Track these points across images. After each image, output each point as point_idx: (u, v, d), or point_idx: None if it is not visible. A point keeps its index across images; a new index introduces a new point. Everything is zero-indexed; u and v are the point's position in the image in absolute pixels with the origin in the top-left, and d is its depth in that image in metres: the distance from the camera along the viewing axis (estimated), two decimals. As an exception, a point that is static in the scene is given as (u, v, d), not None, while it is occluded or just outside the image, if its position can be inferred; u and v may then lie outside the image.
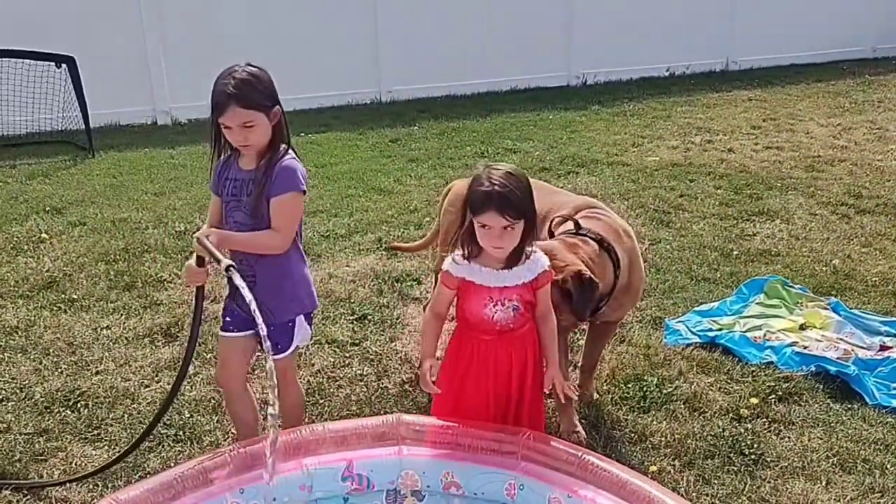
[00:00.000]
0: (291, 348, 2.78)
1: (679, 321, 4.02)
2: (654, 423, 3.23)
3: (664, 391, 3.43)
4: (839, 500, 2.78)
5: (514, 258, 2.52)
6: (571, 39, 10.64)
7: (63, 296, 4.49)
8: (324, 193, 6.33)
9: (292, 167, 2.61)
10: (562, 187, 6.28)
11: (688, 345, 3.82)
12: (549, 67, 10.73)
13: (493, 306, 2.56)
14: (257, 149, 2.62)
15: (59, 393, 3.52)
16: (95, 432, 3.25)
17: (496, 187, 2.39)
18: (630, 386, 3.49)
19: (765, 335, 3.83)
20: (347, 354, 3.85)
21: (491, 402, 2.66)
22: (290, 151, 2.67)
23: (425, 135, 8.31)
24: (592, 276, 2.83)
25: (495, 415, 2.68)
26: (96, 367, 3.74)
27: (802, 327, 3.90)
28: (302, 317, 2.77)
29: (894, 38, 12.41)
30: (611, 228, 3.09)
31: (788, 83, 10.46)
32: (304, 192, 2.63)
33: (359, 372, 3.69)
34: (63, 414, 3.37)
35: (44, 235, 5.43)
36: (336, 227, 5.53)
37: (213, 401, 3.46)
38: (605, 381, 3.55)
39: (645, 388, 3.46)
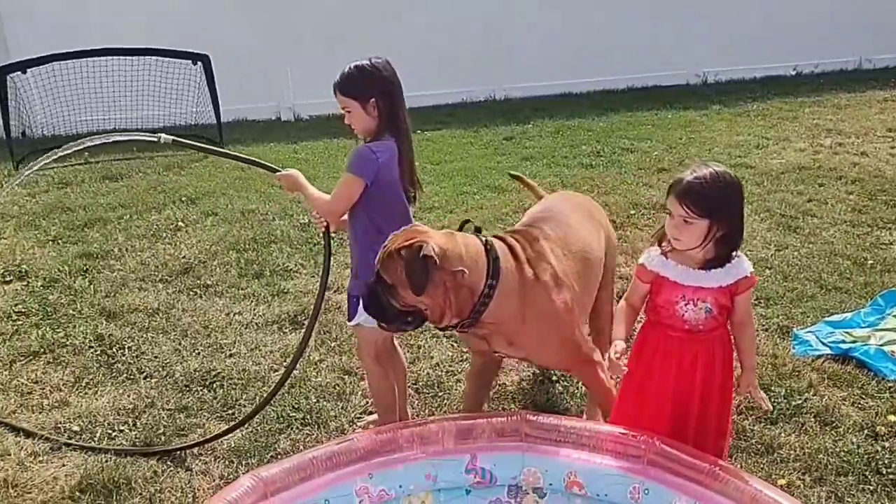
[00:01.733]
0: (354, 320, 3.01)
1: (809, 331, 3.86)
2: (783, 435, 3.12)
3: (793, 403, 3.31)
4: None
5: (714, 260, 2.48)
6: (691, 37, 10.33)
7: (198, 281, 4.77)
8: (439, 190, 6.43)
9: (358, 152, 2.82)
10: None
11: (818, 356, 3.67)
12: (668, 66, 10.47)
13: (685, 304, 2.53)
14: (360, 133, 2.88)
15: (197, 373, 3.75)
16: (230, 412, 3.45)
17: (688, 177, 2.40)
18: (756, 396, 3.39)
19: (904, 350, 3.63)
20: (466, 351, 3.91)
21: (670, 398, 2.62)
22: (390, 140, 2.81)
23: (540, 133, 8.29)
24: (433, 252, 2.56)
25: (674, 412, 2.63)
26: (230, 351, 3.96)
27: (946, 343, 3.67)
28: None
29: None
30: (517, 251, 2.80)
31: (930, 83, 9.82)
32: (361, 177, 2.77)
33: (477, 367, 3.74)
34: (201, 392, 3.59)
35: (180, 224, 5.77)
36: (451, 224, 5.60)
37: (337, 387, 3.60)
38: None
39: (772, 399, 3.32)
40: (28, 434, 3.30)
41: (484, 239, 2.79)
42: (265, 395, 3.34)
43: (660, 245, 2.57)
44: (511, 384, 3.60)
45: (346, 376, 3.68)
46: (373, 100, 2.80)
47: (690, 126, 8.28)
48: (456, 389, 3.57)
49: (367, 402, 3.45)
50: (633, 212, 5.74)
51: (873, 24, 10.65)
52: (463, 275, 2.63)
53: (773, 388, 3.42)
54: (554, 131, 8.33)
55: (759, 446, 3.06)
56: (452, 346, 3.94)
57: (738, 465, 2.93)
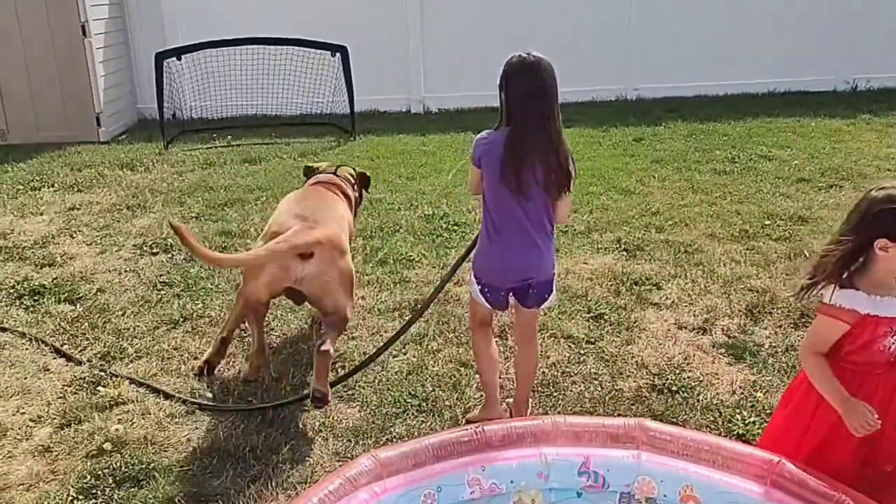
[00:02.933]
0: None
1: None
2: None
3: (935, 437, 3.09)
4: None
5: None
6: (840, 40, 9.71)
7: (326, 265, 4.95)
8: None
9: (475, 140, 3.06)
10: (822, 201, 5.87)
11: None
12: (813, 70, 9.90)
13: (892, 337, 2.33)
14: None
15: (321, 353, 3.90)
16: (350, 392, 3.58)
17: None
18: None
19: None
20: (582, 351, 3.88)
21: (866, 441, 2.40)
22: (503, 130, 2.95)
23: (671, 135, 8.06)
24: None
25: (868, 456, 2.45)
26: (352, 334, 4.10)
27: None
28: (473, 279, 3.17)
29: None
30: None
31: None
32: (472, 161, 3.03)
33: (593, 370, 3.71)
34: (324, 372, 3.73)
35: (311, 208, 6.00)
36: (576, 223, 5.56)
37: (453, 378, 3.66)
38: (864, 416, 3.26)
39: (911, 431, 3.13)
40: (167, 396, 3.55)
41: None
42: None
43: (849, 280, 2.34)
44: (628, 390, 3.54)
45: (462, 368, 3.73)
46: (500, 92, 2.95)
47: (835, 135, 7.82)
48: (571, 390, 3.56)
49: (481, 395, 3.47)
50: (767, 222, 5.50)
51: None
52: None
53: (913, 420, 3.20)
54: (686, 134, 8.08)
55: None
56: (569, 347, 3.92)
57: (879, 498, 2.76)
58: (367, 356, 3.72)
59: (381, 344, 3.77)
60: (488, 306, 3.16)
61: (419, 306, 3.89)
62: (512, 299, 3.15)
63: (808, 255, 4.87)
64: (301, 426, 3.34)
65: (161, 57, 8.10)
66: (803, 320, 4.09)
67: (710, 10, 9.67)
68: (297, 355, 3.93)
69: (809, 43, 9.70)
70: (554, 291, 3.15)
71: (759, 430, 3.19)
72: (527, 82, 2.88)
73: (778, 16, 9.69)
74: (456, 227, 5.58)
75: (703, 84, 9.90)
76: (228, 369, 3.78)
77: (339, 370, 3.74)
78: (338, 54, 8.21)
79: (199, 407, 3.47)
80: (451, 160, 7.23)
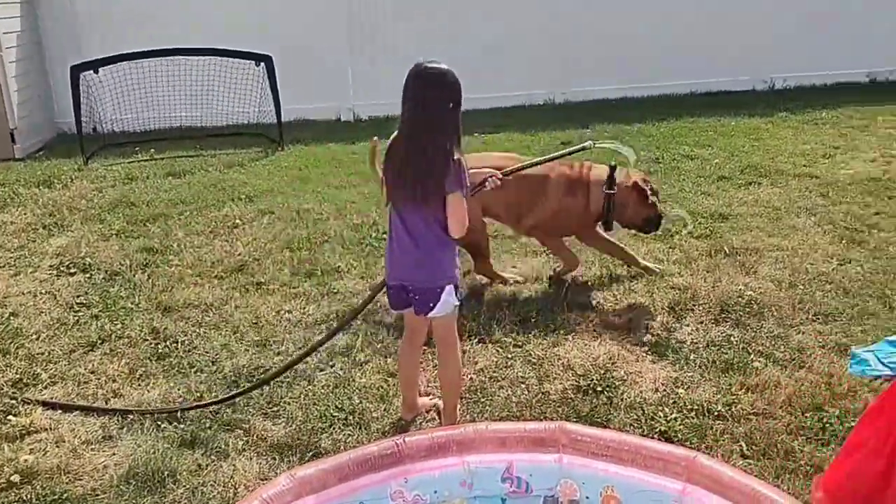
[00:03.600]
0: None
1: (868, 350, 3.72)
2: (834, 456, 3.01)
3: (847, 425, 3.19)
4: None
5: None
6: (759, 42, 10.04)
7: (251, 279, 4.86)
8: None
9: None
10: (741, 198, 6.04)
11: (877, 377, 3.52)
12: (733, 71, 10.20)
13: None
14: None
15: (245, 369, 3.83)
16: (275, 409, 3.50)
17: None
18: (809, 415, 3.28)
19: (970, 374, 3.46)
20: (510, 355, 3.90)
21: None
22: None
23: (598, 138, 8.17)
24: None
25: None
26: (278, 348, 4.03)
27: None
28: None
29: None
30: None
31: None
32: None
33: (520, 374, 3.73)
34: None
35: (237, 221, 5.90)
36: (502, 228, 5.57)
37: (381, 389, 3.62)
38: (781, 407, 3.35)
39: (825, 420, 3.23)
40: (85, 409, 3.46)
41: None
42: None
43: None
44: (554, 393, 3.56)
45: (390, 378, 3.69)
46: None
47: (754, 133, 8.06)
48: (498, 395, 3.56)
49: (409, 405, 3.45)
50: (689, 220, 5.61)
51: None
52: None
53: (826, 409, 3.31)
54: (612, 136, 8.17)
55: (808, 468, 2.96)
56: (497, 351, 3.93)
57: (785, 488, 2.84)
58: (283, 365, 3.68)
59: (304, 354, 3.73)
60: (389, 304, 3.25)
61: (344, 317, 3.89)
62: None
63: (727, 251, 5.00)
64: (223, 446, 3.25)
65: (76, 70, 7.85)
66: (723, 315, 4.20)
67: (634, 14, 9.87)
68: (221, 373, 3.84)
69: (729, 44, 9.99)
70: (443, 301, 3.06)
71: (681, 426, 3.24)
72: (411, 91, 2.91)
73: (698, 18, 9.94)
74: (385, 237, 5.52)
75: (628, 87, 10.10)
76: (150, 390, 3.67)
77: (264, 385, 3.66)
78: (262, 64, 8.09)
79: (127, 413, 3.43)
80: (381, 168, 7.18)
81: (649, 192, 4.60)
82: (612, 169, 4.53)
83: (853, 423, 3.17)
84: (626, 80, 10.03)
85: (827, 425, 3.21)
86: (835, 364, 3.67)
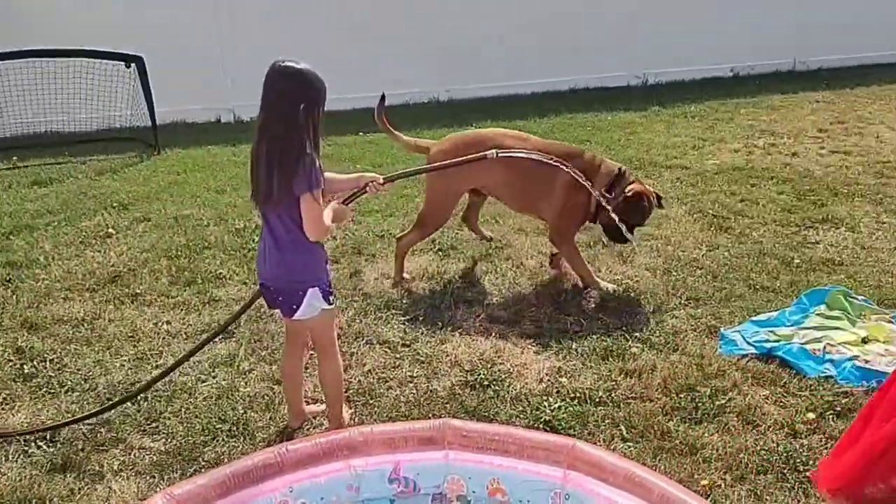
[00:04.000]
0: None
1: (735, 331, 3.93)
2: (706, 435, 3.17)
3: (717, 403, 3.37)
4: (898, 523, 2.69)
5: None
6: (633, 39, 10.46)
7: (127, 290, 4.65)
8: (379, 194, 6.36)
9: None
10: (618, 190, 6.26)
11: (743, 356, 3.74)
12: (609, 67, 10.59)
13: None
14: None
15: (121, 385, 3.65)
16: (154, 425, 3.36)
17: None
18: (682, 396, 3.44)
19: (824, 348, 3.72)
20: (398, 355, 3.89)
21: None
22: None
23: (482, 135, 8.28)
24: None
25: None
26: (156, 361, 3.87)
27: (865, 340, 3.77)
28: None
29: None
30: None
31: (859, 84, 10.11)
32: None
33: (409, 373, 3.73)
34: (124, 406, 3.49)
35: (110, 230, 5.63)
36: (391, 228, 5.58)
37: (266, 398, 3.54)
38: (657, 389, 3.50)
39: (697, 399, 3.40)
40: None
41: None
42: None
43: None
44: (442, 390, 3.58)
45: (276, 386, 3.61)
46: None
47: (629, 127, 8.38)
48: (387, 396, 3.55)
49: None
50: (570, 213, 5.77)
51: (806, 27, 10.94)
52: None
53: (698, 388, 3.48)
54: (496, 133, 8.34)
55: (682, 447, 3.10)
56: (385, 352, 3.91)
57: (662, 467, 2.97)
58: (153, 378, 3.54)
59: (176, 363, 3.60)
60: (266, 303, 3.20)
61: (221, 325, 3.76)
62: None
63: (605, 242, 5.17)
64: (98, 467, 3.09)
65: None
66: (603, 305, 4.34)
67: (513, 13, 10.05)
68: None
69: (606, 41, 10.35)
70: (307, 303, 3.00)
71: (565, 415, 3.33)
72: (265, 90, 2.85)
73: (576, 16, 10.24)
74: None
75: (510, 84, 10.29)
76: (15, 413, 3.44)
77: (141, 401, 3.50)
78: (133, 65, 7.74)
79: None
80: (263, 170, 7.02)
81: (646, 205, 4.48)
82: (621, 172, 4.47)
83: (724, 402, 3.38)
84: (507, 78, 10.22)
85: (699, 404, 3.37)
86: (706, 345, 3.86)
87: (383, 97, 4.83)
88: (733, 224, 5.46)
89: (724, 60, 10.92)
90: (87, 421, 3.37)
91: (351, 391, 3.56)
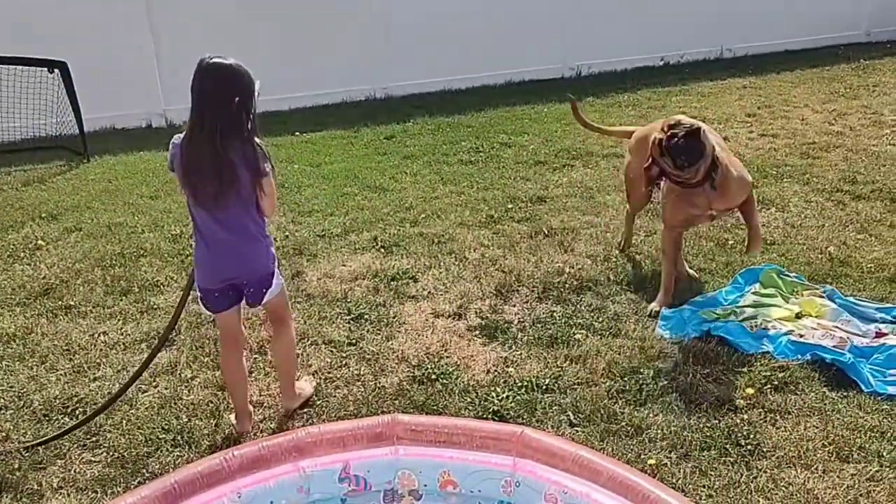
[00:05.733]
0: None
1: (675, 312, 4.02)
2: (651, 415, 3.24)
3: (660, 384, 3.44)
4: (835, 489, 2.79)
5: None
6: (565, 31, 10.59)
7: (60, 302, 4.50)
8: (319, 193, 6.33)
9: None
10: (556, 181, 6.34)
11: (683, 336, 3.82)
12: (544, 60, 10.69)
13: None
14: None
15: (58, 400, 3.53)
16: (94, 439, 3.26)
17: None
18: (626, 379, 3.50)
19: (761, 324, 3.83)
20: (344, 355, 3.86)
21: None
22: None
23: (420, 131, 8.29)
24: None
25: None
26: (94, 374, 3.75)
27: (798, 316, 3.90)
28: None
29: (888, 22, 12.39)
30: None
31: (783, 69, 10.43)
32: (168, 166, 3.03)
33: (356, 372, 3.70)
34: (61, 421, 3.38)
35: (40, 242, 5.44)
36: (332, 227, 5.53)
37: (211, 405, 3.47)
38: (602, 374, 3.55)
39: (641, 381, 3.46)
40: None
41: None
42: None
43: None
44: (390, 386, 3.57)
45: (220, 392, 3.55)
46: None
47: (565, 118, 8.44)
48: (335, 396, 3.52)
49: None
50: (510, 206, 5.82)
51: (732, 15, 11.24)
52: None
53: (642, 371, 3.54)
54: (434, 128, 8.36)
55: (629, 428, 3.16)
56: (331, 352, 3.88)
57: (610, 449, 3.01)
58: (110, 397, 3.42)
59: (127, 381, 3.48)
60: (208, 311, 3.20)
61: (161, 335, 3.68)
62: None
63: (547, 232, 5.23)
64: (37, 486, 2.99)
65: None
66: (546, 293, 4.38)
67: (448, 9, 10.05)
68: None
69: (539, 34, 10.45)
70: (275, 282, 3.15)
71: (513, 404, 3.35)
72: (198, 85, 2.84)
73: (509, 10, 10.30)
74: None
75: (448, 79, 10.30)
76: None
77: (79, 415, 3.40)
78: (56, 70, 7.48)
79: None
80: (198, 174, 6.87)
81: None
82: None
83: (666, 383, 3.45)
84: (445, 73, 10.22)
85: (643, 386, 3.44)
86: (647, 329, 3.94)
87: (573, 101, 5.34)
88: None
89: (654, 50, 11.14)
90: (23, 440, 3.25)
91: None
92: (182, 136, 2.91)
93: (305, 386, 3.49)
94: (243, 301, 3.19)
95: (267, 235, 3.11)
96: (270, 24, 9.23)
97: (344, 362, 3.79)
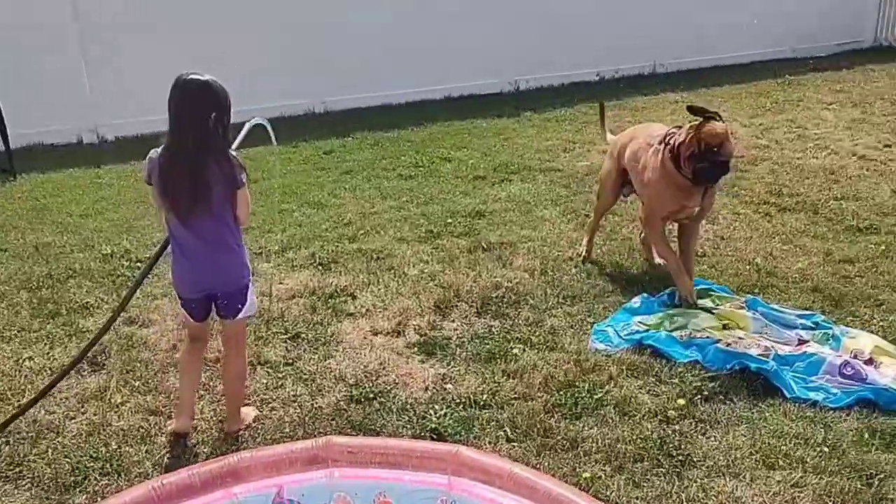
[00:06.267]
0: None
1: (608, 325, 4.09)
2: (586, 429, 3.28)
3: (595, 397, 3.50)
4: (762, 497, 2.88)
5: None
6: (504, 46, 10.70)
7: (-18, 327, 4.34)
8: (256, 209, 6.20)
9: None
10: (495, 195, 6.40)
11: (616, 348, 3.89)
12: (483, 75, 10.77)
13: None
14: None
15: (-21, 430, 3.40)
16: (17, 470, 3.15)
17: None
18: (562, 393, 3.54)
19: (690, 333, 3.92)
20: (280, 375, 3.81)
21: None
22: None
23: (360, 146, 8.27)
24: None
25: None
26: (18, 401, 3.62)
27: (726, 326, 4.01)
28: None
29: (812, 39, 12.91)
30: None
31: (713, 84, 10.74)
32: (145, 179, 3.14)
33: (292, 393, 3.66)
34: (-16, 452, 3.26)
35: (-39, 265, 5.24)
36: (269, 244, 5.47)
37: (142, 430, 3.39)
38: (538, 388, 3.59)
39: (576, 395, 3.51)
40: None
41: None
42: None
43: None
44: (327, 406, 3.54)
45: (152, 417, 3.47)
46: None
47: (504, 133, 8.57)
48: (271, 418, 3.47)
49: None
50: (450, 220, 5.85)
51: (665, 32, 11.56)
52: None
53: (577, 384, 3.59)
54: (373, 143, 8.35)
55: (564, 442, 3.19)
56: (267, 373, 3.83)
57: (546, 464, 3.04)
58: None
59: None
60: (191, 319, 3.29)
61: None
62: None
63: (485, 246, 5.27)
64: (-45, 523, 2.87)
65: None
66: (485, 308, 4.41)
67: (385, 24, 10.06)
68: None
69: (478, 49, 10.52)
70: (249, 301, 3.27)
71: (451, 421, 3.36)
72: (176, 101, 3.00)
73: (448, 25, 10.37)
74: (140, 264, 5.19)
75: (388, 93, 10.29)
76: None
77: (2, 445, 3.27)
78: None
79: None
80: (130, 192, 6.73)
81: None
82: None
83: (601, 395, 3.50)
84: (385, 88, 10.22)
85: (579, 399, 3.49)
86: (582, 342, 4.00)
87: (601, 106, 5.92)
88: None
89: (590, 65, 11.35)
90: (-60, 473, 3.12)
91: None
92: (159, 150, 3.04)
93: (249, 411, 3.47)
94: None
95: (241, 245, 3.23)
96: (204, 37, 9.09)
97: (280, 383, 3.75)
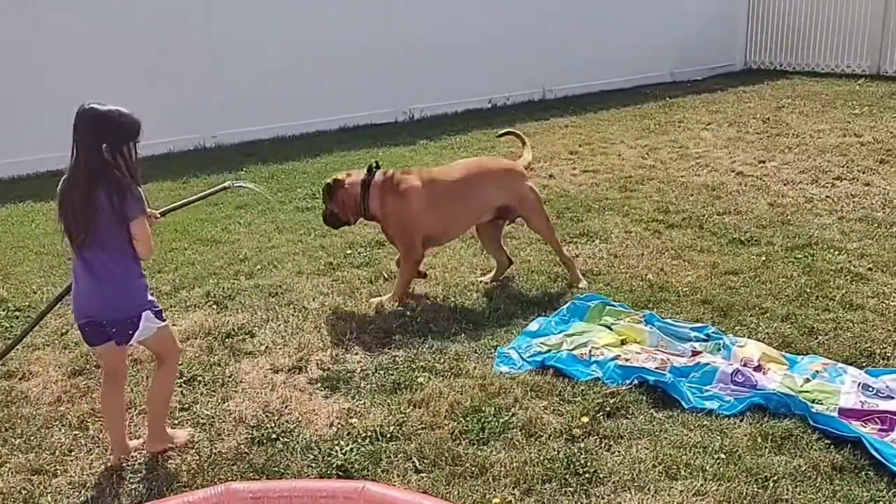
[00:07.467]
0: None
1: (510, 348, 4.12)
2: (494, 453, 3.27)
3: (501, 420, 3.50)
4: (667, 507, 2.94)
5: None
6: (397, 75, 10.81)
7: None
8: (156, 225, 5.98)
9: None
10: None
11: (520, 370, 3.92)
12: (377, 104, 10.83)
13: None
14: None
15: None
16: None
17: None
18: (469, 419, 3.53)
19: (590, 351, 4.00)
20: (176, 421, 3.63)
21: None
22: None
23: (253, 179, 8.07)
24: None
25: None
26: None
27: (624, 342, 4.12)
28: None
29: (688, 63, 13.68)
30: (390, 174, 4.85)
31: (600, 108, 11.18)
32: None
33: (187, 439, 3.49)
34: None
35: None
36: (160, 284, 5.25)
37: (24, 491, 3.15)
38: (445, 416, 3.56)
39: (483, 420, 3.50)
40: None
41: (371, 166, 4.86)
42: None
43: None
44: (227, 450, 3.39)
45: (36, 476, 3.23)
46: None
47: (400, 161, 8.58)
48: (165, 468, 3.29)
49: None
50: (349, 251, 5.79)
51: (551, 59, 11.97)
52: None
53: (483, 409, 3.59)
54: (268, 176, 8.20)
55: (473, 469, 3.17)
56: (161, 419, 3.63)
57: (455, 493, 3.01)
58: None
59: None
60: (86, 343, 3.29)
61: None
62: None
63: (387, 276, 5.23)
64: None
65: None
66: (388, 339, 4.36)
67: (279, 54, 9.95)
68: None
69: (371, 79, 10.58)
70: (143, 327, 3.19)
71: (357, 456, 3.28)
72: (75, 130, 3.05)
73: (342, 56, 10.36)
74: (18, 314, 4.87)
75: (280, 125, 10.16)
76: None
77: None
78: None
79: None
80: (8, 237, 6.33)
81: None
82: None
83: (507, 418, 3.51)
84: (277, 119, 10.09)
85: (485, 424, 3.48)
86: (487, 366, 4.01)
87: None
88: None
89: (482, 93, 11.60)
90: None
91: (125, 469, 3.27)
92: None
93: (180, 433, 3.47)
94: None
95: (140, 277, 3.21)
96: (84, 71, 8.72)
97: (175, 429, 3.56)
